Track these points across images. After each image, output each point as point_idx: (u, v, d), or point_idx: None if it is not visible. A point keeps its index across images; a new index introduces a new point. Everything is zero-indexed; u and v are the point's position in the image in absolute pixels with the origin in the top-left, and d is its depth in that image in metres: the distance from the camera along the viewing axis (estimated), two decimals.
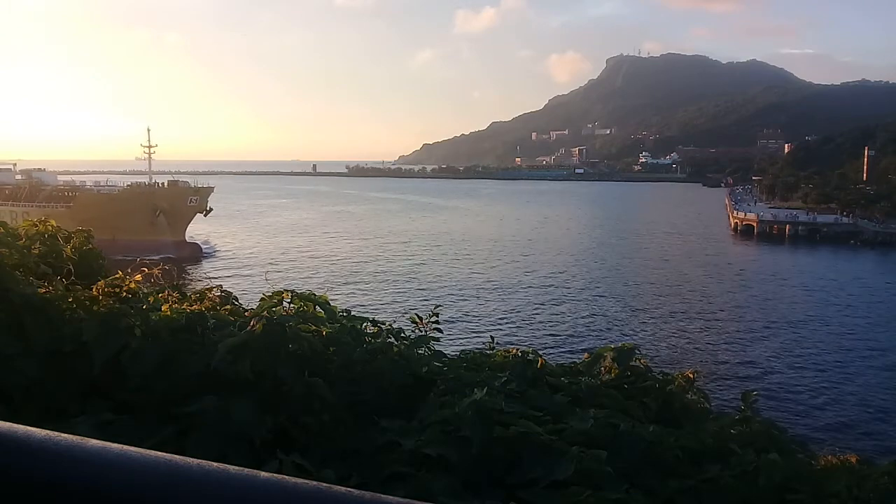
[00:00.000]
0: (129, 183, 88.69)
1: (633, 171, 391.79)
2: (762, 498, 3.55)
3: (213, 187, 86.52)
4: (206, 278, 60.91)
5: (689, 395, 5.01)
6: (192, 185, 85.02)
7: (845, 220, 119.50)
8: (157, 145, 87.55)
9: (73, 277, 4.07)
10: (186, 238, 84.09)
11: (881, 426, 32.65)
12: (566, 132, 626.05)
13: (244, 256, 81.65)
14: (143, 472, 1.03)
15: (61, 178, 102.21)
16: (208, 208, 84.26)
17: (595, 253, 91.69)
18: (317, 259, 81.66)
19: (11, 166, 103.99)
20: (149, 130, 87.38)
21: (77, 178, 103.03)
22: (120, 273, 4.16)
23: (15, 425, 1.10)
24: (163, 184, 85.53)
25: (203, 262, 78.64)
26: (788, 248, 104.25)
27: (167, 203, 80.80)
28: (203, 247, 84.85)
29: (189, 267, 71.41)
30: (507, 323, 50.71)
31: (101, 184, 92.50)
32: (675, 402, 4.82)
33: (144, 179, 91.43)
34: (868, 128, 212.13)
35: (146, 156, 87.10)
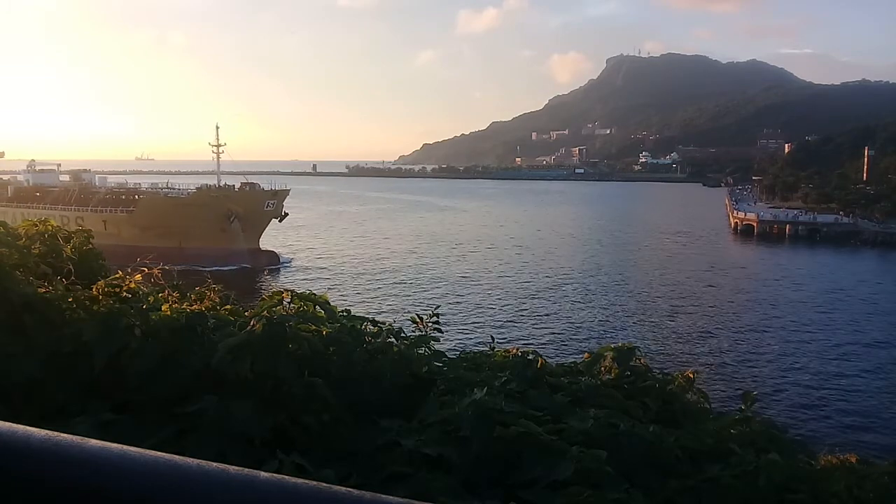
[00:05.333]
0: (197, 185, 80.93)
1: (633, 171, 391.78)
2: (762, 498, 3.55)
3: (289, 190, 79.48)
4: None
5: (690, 395, 5.01)
6: (269, 187, 77.44)
7: (845, 220, 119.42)
8: (225, 144, 79.39)
9: (73, 277, 4.07)
10: (260, 245, 77.23)
11: (881, 426, 32.63)
12: (566, 132, 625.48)
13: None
14: (143, 472, 1.03)
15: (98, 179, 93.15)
16: (284, 213, 77.09)
17: (595, 253, 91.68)
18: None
19: (56, 167, 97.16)
20: (217, 128, 79.15)
21: (119, 180, 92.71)
22: (120, 273, 4.17)
23: (15, 425, 1.10)
24: (233, 186, 78.23)
25: (281, 272, 72.41)
26: (788, 247, 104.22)
27: (242, 208, 73.34)
28: (280, 255, 77.94)
29: (268, 277, 67.08)
30: (507, 323, 50.70)
31: (160, 186, 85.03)
32: (676, 402, 4.82)
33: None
34: (868, 128, 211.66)
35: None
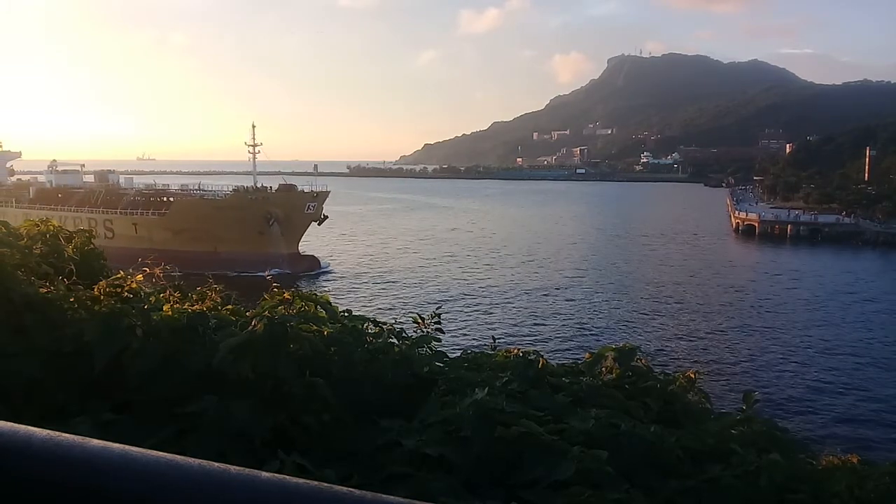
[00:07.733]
0: (233, 187, 76.99)
1: (635, 171, 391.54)
2: (763, 498, 3.54)
3: (329, 192, 76.11)
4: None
5: (691, 396, 5.01)
6: (310, 189, 73.86)
7: (847, 220, 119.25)
8: (262, 143, 76.35)
9: (74, 277, 4.07)
10: (300, 250, 74.44)
11: (882, 426, 32.59)
12: (567, 132, 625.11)
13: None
14: (144, 472, 1.03)
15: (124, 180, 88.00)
16: (323, 216, 74.52)
17: (596, 253, 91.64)
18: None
19: (79, 167, 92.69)
20: (254, 126, 76.00)
21: (147, 181, 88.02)
22: (121, 273, 4.17)
23: (16, 425, 1.11)
24: (269, 187, 74.61)
25: (320, 278, 68.91)
26: (790, 248, 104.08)
27: (282, 210, 70.19)
28: (321, 260, 74.78)
29: (308, 282, 63.35)
30: (508, 323, 50.68)
31: (192, 187, 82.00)
32: (677, 402, 4.82)
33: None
34: (869, 128, 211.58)
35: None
